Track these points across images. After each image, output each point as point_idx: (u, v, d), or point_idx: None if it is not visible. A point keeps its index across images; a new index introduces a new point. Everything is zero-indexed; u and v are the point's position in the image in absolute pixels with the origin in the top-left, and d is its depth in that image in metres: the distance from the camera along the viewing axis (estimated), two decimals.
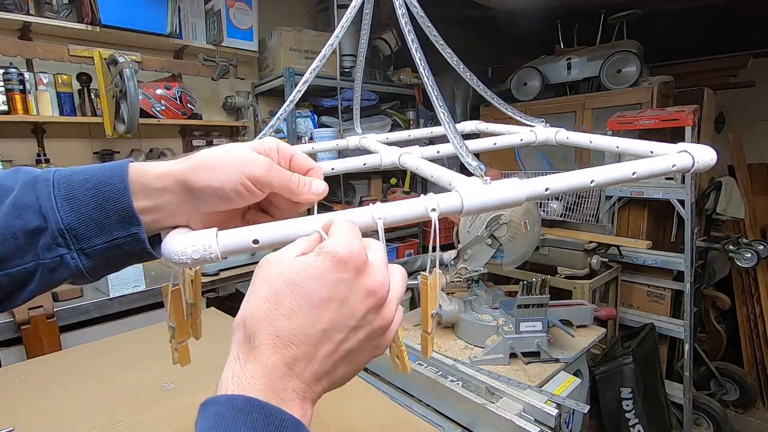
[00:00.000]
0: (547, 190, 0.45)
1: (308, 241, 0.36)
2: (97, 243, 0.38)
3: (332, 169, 0.65)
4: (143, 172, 0.40)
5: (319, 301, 0.32)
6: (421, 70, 0.52)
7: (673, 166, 0.50)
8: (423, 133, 0.92)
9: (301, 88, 0.65)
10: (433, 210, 0.41)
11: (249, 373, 0.31)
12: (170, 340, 0.49)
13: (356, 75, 0.79)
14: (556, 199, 2.44)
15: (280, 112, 0.67)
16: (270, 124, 0.66)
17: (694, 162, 0.50)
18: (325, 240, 0.35)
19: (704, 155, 0.51)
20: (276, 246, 0.39)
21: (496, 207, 0.43)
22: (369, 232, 0.40)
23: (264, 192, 0.41)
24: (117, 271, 0.43)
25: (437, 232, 0.41)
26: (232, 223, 0.42)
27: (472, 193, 0.42)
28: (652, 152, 0.55)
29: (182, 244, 0.37)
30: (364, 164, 0.68)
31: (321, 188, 0.44)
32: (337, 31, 0.64)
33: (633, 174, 0.48)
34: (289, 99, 0.66)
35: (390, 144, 0.73)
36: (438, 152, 0.71)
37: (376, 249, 0.37)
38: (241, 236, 0.38)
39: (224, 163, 0.39)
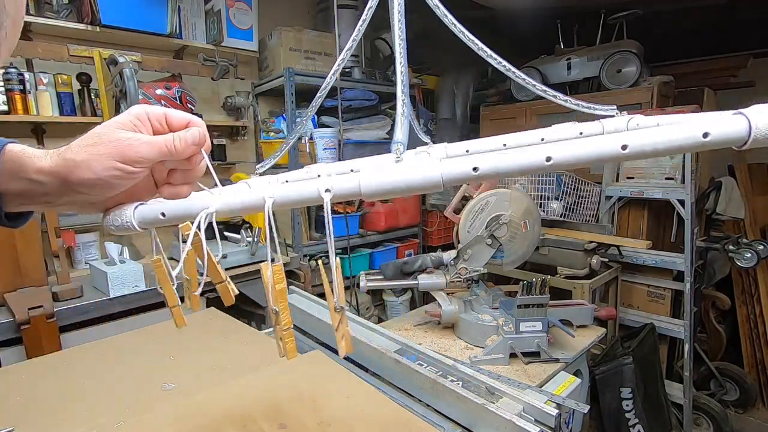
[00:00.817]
0: (475, 170, 0.37)
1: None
2: None
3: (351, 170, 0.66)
4: (25, 161, 0.41)
5: None
6: (399, 68, 0.52)
7: (705, 135, 0.36)
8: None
9: (321, 93, 0.64)
10: (327, 191, 0.39)
11: None
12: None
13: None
14: (556, 198, 2.44)
15: (306, 115, 0.67)
16: (300, 122, 0.67)
17: (751, 128, 0.34)
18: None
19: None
20: (181, 221, 0.47)
21: (404, 190, 0.39)
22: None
23: (143, 167, 0.43)
24: None
25: (329, 215, 0.40)
26: (146, 194, 0.48)
27: (373, 175, 0.38)
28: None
29: (112, 215, 0.46)
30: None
31: (197, 135, 0.46)
32: (354, 34, 0.64)
33: (623, 149, 0.36)
34: (312, 104, 0.67)
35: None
36: (467, 151, 0.70)
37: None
38: (151, 210, 0.45)
39: (95, 155, 0.41)
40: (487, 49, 0.53)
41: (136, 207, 0.45)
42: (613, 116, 0.59)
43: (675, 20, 3.21)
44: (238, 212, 0.44)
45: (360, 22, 0.64)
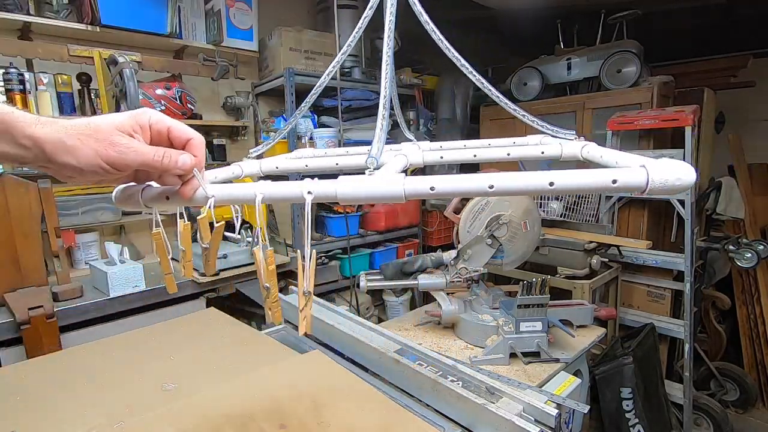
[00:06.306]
0: (432, 189, 0.44)
1: None
2: None
3: (336, 164, 0.67)
4: (15, 124, 0.41)
5: None
6: (383, 91, 0.56)
7: (614, 182, 0.42)
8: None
9: (315, 91, 0.65)
10: (309, 193, 0.46)
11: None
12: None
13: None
14: (556, 198, 2.44)
15: (293, 117, 0.67)
16: (289, 122, 0.67)
17: (648, 180, 0.42)
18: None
19: (665, 173, 0.42)
20: (182, 205, 0.51)
21: (372, 198, 0.47)
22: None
23: (125, 174, 0.46)
24: None
25: (309, 214, 0.47)
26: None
27: (347, 183, 0.46)
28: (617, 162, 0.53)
29: (122, 194, 0.50)
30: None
31: (187, 163, 0.48)
32: (354, 32, 0.64)
33: (550, 185, 0.43)
34: (305, 101, 0.67)
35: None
36: (441, 158, 0.71)
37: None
38: (158, 194, 0.50)
39: (85, 146, 0.42)
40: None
41: (144, 189, 0.49)
42: (571, 140, 0.70)
43: (675, 20, 3.21)
44: (231, 202, 0.51)
45: (360, 23, 0.64)
